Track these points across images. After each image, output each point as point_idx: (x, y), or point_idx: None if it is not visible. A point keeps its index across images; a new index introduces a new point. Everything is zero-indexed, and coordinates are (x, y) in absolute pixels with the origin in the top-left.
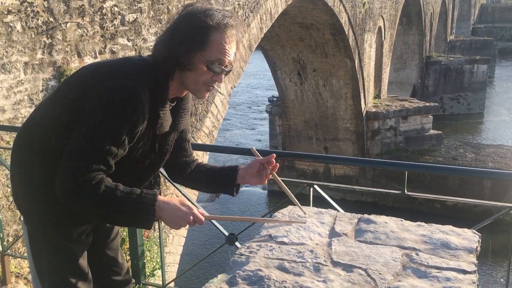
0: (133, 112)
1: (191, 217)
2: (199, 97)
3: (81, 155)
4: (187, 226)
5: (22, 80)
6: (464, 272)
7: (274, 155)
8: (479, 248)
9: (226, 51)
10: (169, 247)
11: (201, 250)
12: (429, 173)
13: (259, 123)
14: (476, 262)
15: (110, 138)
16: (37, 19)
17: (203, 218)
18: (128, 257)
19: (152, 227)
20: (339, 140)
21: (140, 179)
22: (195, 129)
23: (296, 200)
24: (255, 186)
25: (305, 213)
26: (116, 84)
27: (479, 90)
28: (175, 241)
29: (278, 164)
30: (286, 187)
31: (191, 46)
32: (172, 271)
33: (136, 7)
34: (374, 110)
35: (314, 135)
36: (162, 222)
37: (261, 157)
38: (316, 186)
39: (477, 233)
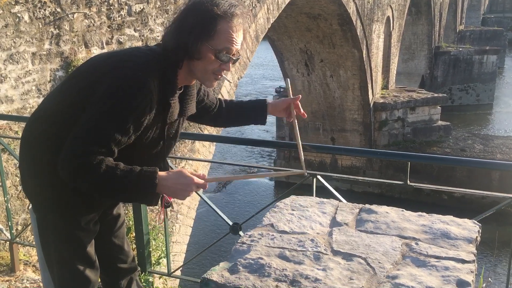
0: (141, 101)
1: (193, 186)
2: (207, 86)
3: (85, 138)
4: (189, 213)
5: (30, 70)
6: (463, 261)
7: (300, 96)
8: (479, 238)
9: (234, 39)
10: (176, 236)
11: (207, 239)
12: (437, 164)
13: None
14: (475, 251)
15: (115, 124)
16: (45, 10)
17: (204, 182)
18: (134, 246)
19: (160, 216)
20: (346, 131)
21: (149, 165)
22: None
23: (302, 154)
24: (262, 178)
25: (306, 172)
26: (125, 73)
27: (488, 81)
28: (182, 230)
29: (301, 109)
30: (298, 137)
31: (199, 35)
32: (179, 261)
33: None
34: (381, 101)
35: (321, 126)
36: (168, 211)
37: (291, 95)
38: (319, 177)
39: (477, 223)
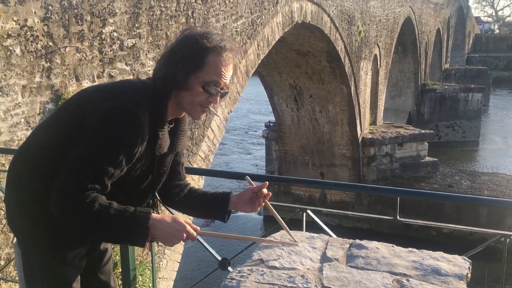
0: (132, 133)
1: (184, 234)
2: (194, 118)
3: (77, 174)
4: (182, 243)
5: (19, 103)
6: None
7: (267, 183)
8: (469, 275)
9: (222, 73)
10: (162, 272)
11: (195, 275)
12: (426, 200)
13: (255, 148)
14: None
15: (107, 157)
16: (37, 43)
17: (195, 234)
18: (120, 282)
19: (146, 251)
20: (335, 166)
21: (138, 200)
22: (191, 153)
23: (287, 227)
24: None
25: (295, 241)
26: (116, 104)
27: (474, 118)
28: (169, 266)
29: (270, 193)
30: (277, 215)
31: (187, 66)
32: None
33: (135, 33)
34: (370, 136)
35: (310, 160)
36: (155, 246)
37: (254, 185)
38: (309, 211)
39: (468, 259)
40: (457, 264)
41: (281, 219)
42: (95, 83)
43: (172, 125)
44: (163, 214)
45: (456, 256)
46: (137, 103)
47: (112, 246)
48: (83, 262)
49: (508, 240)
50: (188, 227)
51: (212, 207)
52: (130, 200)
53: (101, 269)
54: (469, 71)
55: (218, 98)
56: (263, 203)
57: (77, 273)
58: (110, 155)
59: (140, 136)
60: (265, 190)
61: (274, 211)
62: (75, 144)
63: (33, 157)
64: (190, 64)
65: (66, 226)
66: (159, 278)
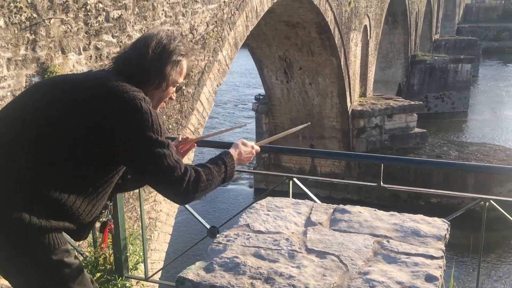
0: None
1: (254, 150)
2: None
3: (170, 167)
4: (168, 219)
5: (5, 76)
6: (432, 257)
7: (187, 137)
8: (447, 236)
9: (185, 73)
10: (154, 244)
11: (186, 246)
12: (414, 170)
13: (245, 121)
14: (444, 248)
15: (167, 143)
16: (20, 15)
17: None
18: (111, 251)
19: (134, 220)
20: (325, 138)
21: (111, 191)
22: (180, 126)
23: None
24: (242, 184)
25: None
26: (133, 95)
27: (463, 89)
28: (160, 238)
29: (187, 137)
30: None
31: (172, 72)
32: (157, 268)
33: (120, 4)
34: (359, 108)
35: (300, 133)
36: (147, 219)
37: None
38: (295, 179)
39: (446, 221)
40: (436, 226)
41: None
42: (81, 56)
43: None
44: (238, 143)
45: (436, 218)
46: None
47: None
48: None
49: (487, 203)
50: (253, 143)
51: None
52: (106, 195)
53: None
54: (459, 41)
55: (175, 93)
56: (189, 145)
57: (78, 260)
58: (162, 140)
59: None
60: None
61: (203, 136)
62: (118, 144)
63: (31, 151)
64: (173, 70)
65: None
66: (151, 249)
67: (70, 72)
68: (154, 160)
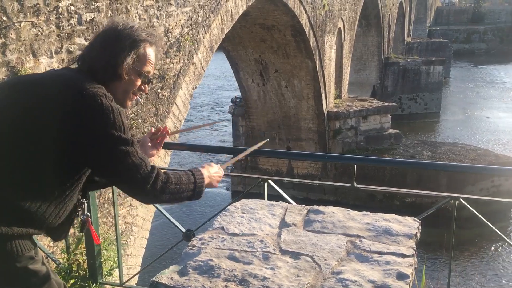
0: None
1: (219, 169)
2: (124, 106)
3: (138, 166)
4: (144, 224)
5: None
6: (403, 255)
7: (160, 127)
8: (418, 234)
9: (152, 62)
10: (131, 249)
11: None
12: (389, 171)
13: (222, 124)
14: (415, 246)
15: (130, 141)
16: None
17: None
18: (85, 257)
19: (110, 226)
20: (301, 140)
21: (83, 192)
22: None
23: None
24: (219, 187)
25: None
26: (92, 92)
27: (435, 90)
28: (137, 243)
29: (166, 127)
30: (183, 130)
31: (127, 58)
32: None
33: (93, 6)
34: (335, 110)
35: (277, 135)
36: (121, 224)
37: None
38: (270, 181)
39: (417, 220)
40: (407, 225)
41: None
42: (53, 60)
43: None
44: (201, 166)
45: (407, 217)
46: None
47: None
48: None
49: (457, 202)
50: (219, 166)
51: None
52: (81, 192)
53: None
54: (431, 44)
55: (147, 86)
56: (165, 136)
57: (46, 266)
58: (128, 139)
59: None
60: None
61: (179, 129)
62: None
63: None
64: (129, 56)
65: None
66: (127, 255)
67: None
68: (117, 158)
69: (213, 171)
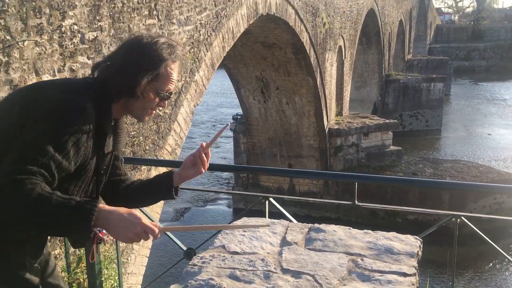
0: (81, 124)
1: (140, 228)
2: (141, 121)
3: (22, 156)
4: (145, 242)
5: None
6: (405, 275)
7: (203, 144)
8: (420, 253)
9: (173, 80)
10: (131, 267)
11: (164, 268)
12: (391, 189)
13: (223, 141)
14: (417, 265)
15: (55, 145)
16: None
17: (156, 230)
18: (85, 276)
19: (93, 251)
20: (303, 157)
21: None
22: (157, 147)
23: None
24: (220, 204)
25: (269, 223)
26: (65, 97)
27: (436, 107)
28: (138, 261)
29: (208, 153)
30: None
31: (145, 77)
32: None
33: (96, 26)
34: (336, 127)
35: (278, 152)
36: (121, 243)
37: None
38: (271, 199)
39: (419, 239)
40: (409, 243)
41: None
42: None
43: (113, 124)
44: (119, 208)
45: (408, 236)
46: (85, 98)
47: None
48: (35, 266)
49: (459, 220)
50: (146, 221)
51: (158, 188)
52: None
53: (50, 273)
54: (431, 61)
55: (166, 102)
56: (205, 160)
57: (37, 278)
58: (58, 143)
59: (87, 129)
60: (202, 153)
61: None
62: (22, 132)
63: None
64: (147, 75)
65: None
66: (128, 273)
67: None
68: (25, 140)
69: (125, 219)
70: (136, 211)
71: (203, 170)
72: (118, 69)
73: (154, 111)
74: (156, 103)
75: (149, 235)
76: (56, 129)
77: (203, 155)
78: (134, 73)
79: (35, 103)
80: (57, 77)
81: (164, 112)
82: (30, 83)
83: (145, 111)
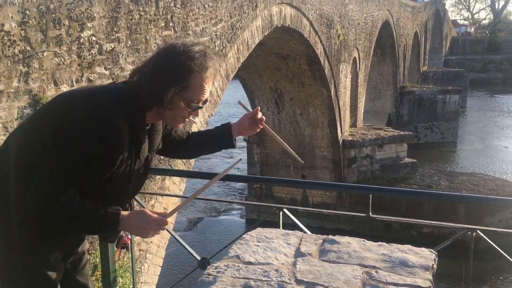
0: (112, 142)
1: (152, 223)
2: (173, 127)
3: (55, 178)
4: (159, 250)
5: None
6: None
7: (258, 107)
8: (435, 266)
9: (205, 90)
10: (144, 276)
11: (177, 278)
12: (405, 201)
13: (237, 151)
14: (432, 278)
15: (86, 165)
16: (14, 48)
17: (164, 218)
18: (101, 284)
19: (119, 252)
20: (316, 168)
21: (120, 202)
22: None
23: (288, 146)
24: (234, 215)
25: (300, 160)
26: (96, 114)
27: (451, 120)
28: (151, 270)
29: (263, 117)
30: (276, 135)
31: (175, 89)
32: None
33: (114, 37)
34: (350, 138)
35: (291, 163)
36: (136, 250)
37: (248, 110)
38: (285, 210)
39: (434, 252)
40: (424, 256)
41: (280, 139)
42: (73, 88)
43: (148, 127)
44: (132, 211)
45: (423, 248)
46: (115, 112)
47: (92, 250)
48: (62, 264)
49: (474, 233)
50: (155, 216)
51: (218, 139)
52: (111, 202)
53: (80, 271)
54: (447, 73)
55: (199, 111)
56: (262, 126)
57: (59, 277)
58: (89, 163)
59: (120, 144)
60: (259, 114)
61: (272, 131)
62: (53, 150)
63: (9, 163)
64: (177, 87)
65: (45, 227)
66: (141, 282)
67: None
68: (57, 157)
69: (140, 219)
70: (146, 210)
71: (258, 130)
72: (148, 78)
73: (187, 119)
74: (188, 112)
75: (161, 226)
76: (86, 149)
77: (261, 116)
78: (162, 84)
79: (68, 117)
80: (76, 87)
81: None
82: (49, 93)
83: (177, 119)
